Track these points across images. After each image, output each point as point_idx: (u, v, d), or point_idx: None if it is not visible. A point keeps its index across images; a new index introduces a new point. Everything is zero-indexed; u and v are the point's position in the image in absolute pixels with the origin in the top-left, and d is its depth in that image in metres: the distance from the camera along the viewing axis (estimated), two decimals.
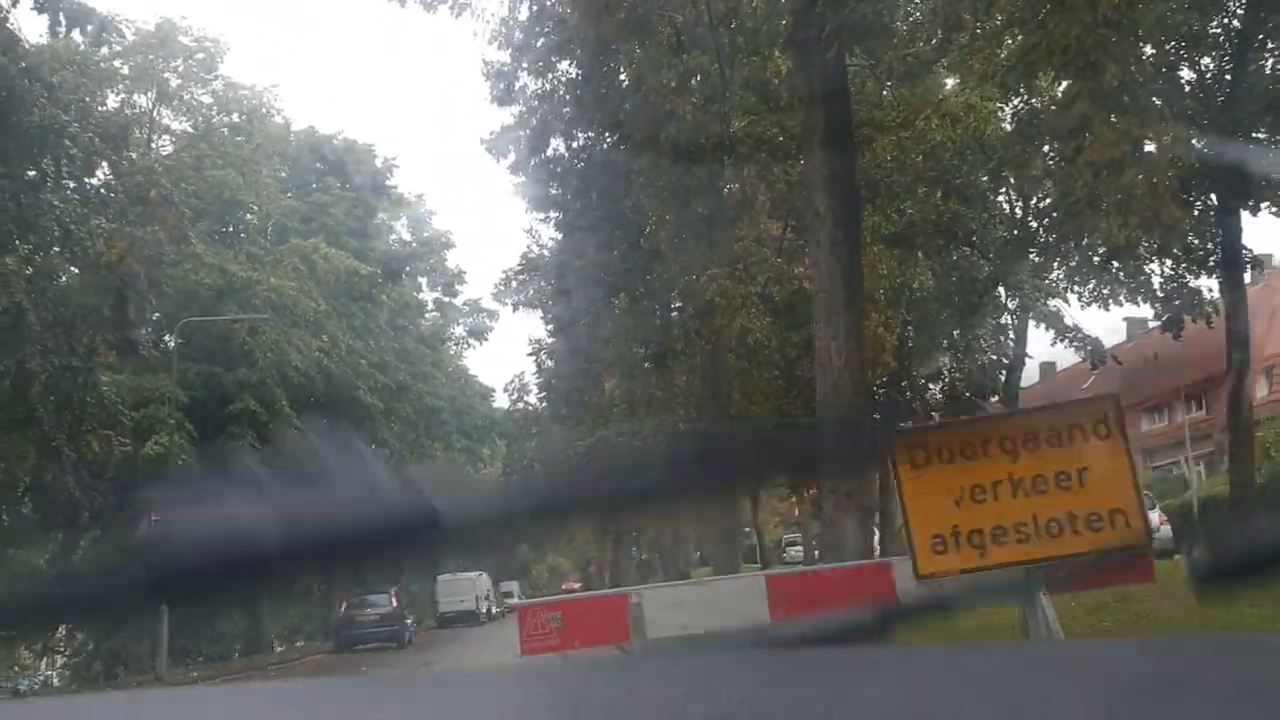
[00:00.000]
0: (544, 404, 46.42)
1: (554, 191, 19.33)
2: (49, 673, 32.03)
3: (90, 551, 27.93)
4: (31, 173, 14.82)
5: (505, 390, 45.85)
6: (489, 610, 53.30)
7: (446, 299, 43.22)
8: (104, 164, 18.06)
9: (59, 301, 17.53)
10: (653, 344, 22.66)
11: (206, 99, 27.70)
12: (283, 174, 32.27)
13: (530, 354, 30.72)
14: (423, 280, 43.04)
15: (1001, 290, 22.55)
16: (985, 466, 6.17)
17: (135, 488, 26.18)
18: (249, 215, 30.06)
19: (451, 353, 46.01)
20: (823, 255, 11.86)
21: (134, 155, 18.72)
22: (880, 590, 7.03)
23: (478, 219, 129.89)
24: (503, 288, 27.58)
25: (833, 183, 11.93)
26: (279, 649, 36.92)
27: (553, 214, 22.39)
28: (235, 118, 28.80)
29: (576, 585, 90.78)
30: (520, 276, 27.32)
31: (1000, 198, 23.13)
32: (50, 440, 17.32)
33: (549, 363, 30.64)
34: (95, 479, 20.98)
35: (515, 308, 27.37)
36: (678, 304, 24.06)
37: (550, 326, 29.12)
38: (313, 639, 45.60)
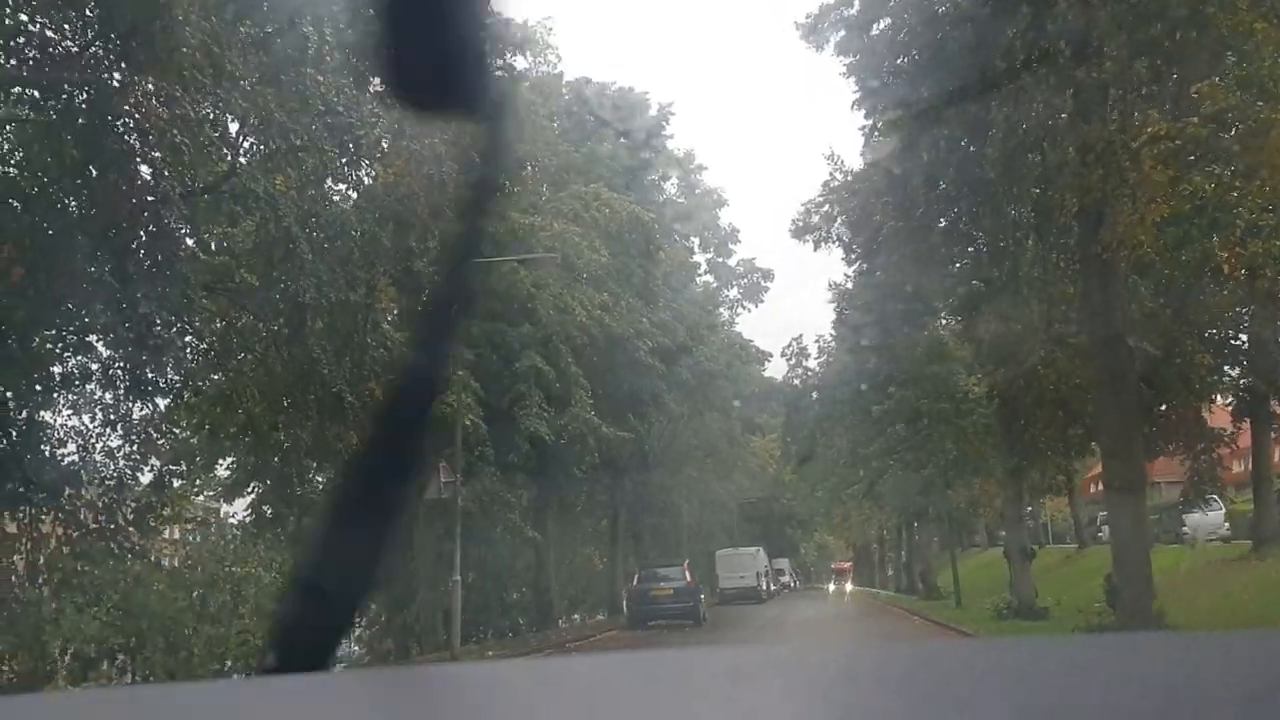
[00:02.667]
0: (822, 367, 42.38)
1: (887, 69, 15.23)
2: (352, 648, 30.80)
3: None
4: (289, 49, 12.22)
5: (783, 355, 42.20)
6: (768, 587, 49.95)
7: (720, 259, 39.88)
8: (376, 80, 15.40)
9: (334, 233, 14.99)
10: (1005, 266, 18.14)
11: None
12: (554, 125, 29.55)
13: (830, 300, 26.71)
14: (694, 241, 39.91)
15: None
16: None
17: (422, 452, 24.15)
18: (525, 168, 27.44)
19: (724, 316, 42.69)
20: None
21: None
22: None
23: (753, 172, 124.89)
24: (800, 223, 23.65)
25: None
26: (562, 624, 34.48)
27: (866, 120, 18.26)
28: (509, 58, 26.23)
29: (846, 565, 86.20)
30: (822, 209, 23.32)
31: None
32: (331, 387, 14.80)
33: (848, 311, 26.52)
34: None
35: (816, 245, 23.38)
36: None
37: (854, 268, 24.97)
38: (593, 612, 43.69)
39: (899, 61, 15.04)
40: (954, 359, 31.33)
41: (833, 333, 41.91)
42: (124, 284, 11.67)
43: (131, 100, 11.41)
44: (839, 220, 23.16)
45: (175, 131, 11.49)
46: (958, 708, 0.85)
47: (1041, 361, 19.30)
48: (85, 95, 12.07)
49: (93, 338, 16.40)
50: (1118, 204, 14.25)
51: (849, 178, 23.25)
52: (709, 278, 41.21)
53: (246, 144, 14.49)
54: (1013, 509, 25.49)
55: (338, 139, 13.46)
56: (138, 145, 11.79)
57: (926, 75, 14.27)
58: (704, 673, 1.11)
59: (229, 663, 14.70)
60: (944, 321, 29.93)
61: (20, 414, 15.77)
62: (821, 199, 23.26)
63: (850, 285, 26.77)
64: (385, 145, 15.44)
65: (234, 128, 14.80)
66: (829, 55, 16.83)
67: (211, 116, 13.30)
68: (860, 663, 1.22)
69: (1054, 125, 15.19)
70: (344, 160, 15.29)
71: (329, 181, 15.75)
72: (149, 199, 12.33)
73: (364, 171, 15.62)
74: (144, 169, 12.74)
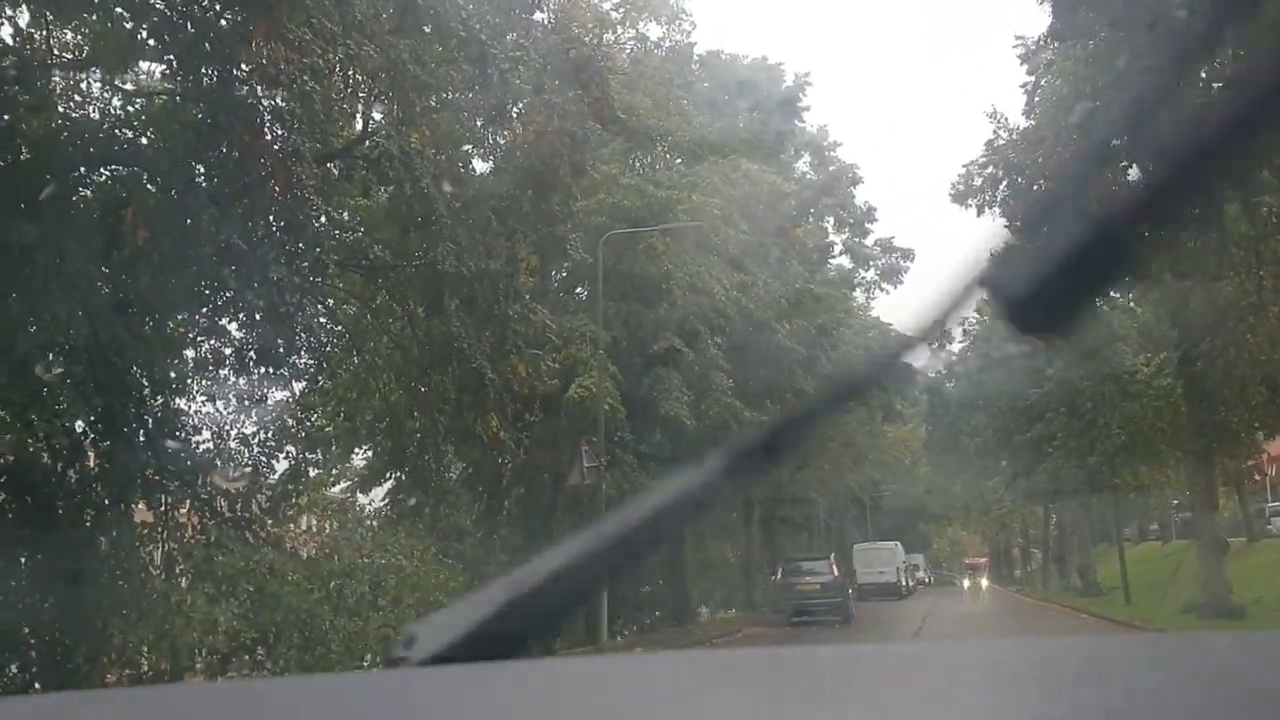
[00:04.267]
0: (967, 351, 39.95)
1: None
2: None
3: (516, 509, 25.13)
4: None
5: (924, 339, 40.07)
6: (907, 583, 47.73)
7: (856, 239, 37.77)
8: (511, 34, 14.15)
9: (472, 197, 13.79)
10: (1206, 222, 15.91)
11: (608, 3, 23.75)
12: (685, 101, 27.98)
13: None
14: (828, 221, 37.90)
15: None
16: None
17: (558, 439, 23.00)
18: (660, 144, 26.00)
19: (860, 300, 40.57)
20: None
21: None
22: None
23: (891, 146, 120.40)
24: (960, 187, 21.65)
25: None
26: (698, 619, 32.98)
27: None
28: (640, 28, 24.86)
29: (981, 560, 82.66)
30: (985, 170, 21.28)
31: None
32: (471, 363, 13.60)
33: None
34: (519, 420, 17.49)
35: (980, 210, 21.35)
36: None
37: (1016, 233, 22.78)
38: (724, 607, 42.15)
39: None
40: (1119, 335, 28.98)
41: (977, 315, 39.58)
42: (253, 248, 10.63)
43: (256, 45, 10.35)
44: (1004, 183, 21.12)
45: (305, 77, 10.38)
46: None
47: (1249, 329, 17.02)
48: (209, 48, 11.09)
49: (224, 320, 15.70)
50: None
51: (1014, 136, 21.22)
52: (844, 259, 39.19)
53: (378, 103, 13.38)
54: (1202, 497, 22.94)
55: (480, 71, 12.08)
56: (265, 98, 10.73)
57: None
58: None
59: (367, 659, 13.58)
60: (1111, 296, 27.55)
61: (156, 400, 15.10)
62: (984, 159, 21.25)
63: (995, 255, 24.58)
64: (523, 104, 14.16)
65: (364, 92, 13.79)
66: None
67: (340, 68, 12.19)
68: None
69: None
70: (480, 121, 14.09)
71: (466, 146, 14.59)
72: (276, 161, 11.30)
73: (501, 135, 14.37)
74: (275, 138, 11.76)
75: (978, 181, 21.34)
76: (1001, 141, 21.06)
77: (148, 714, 1.04)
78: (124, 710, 1.07)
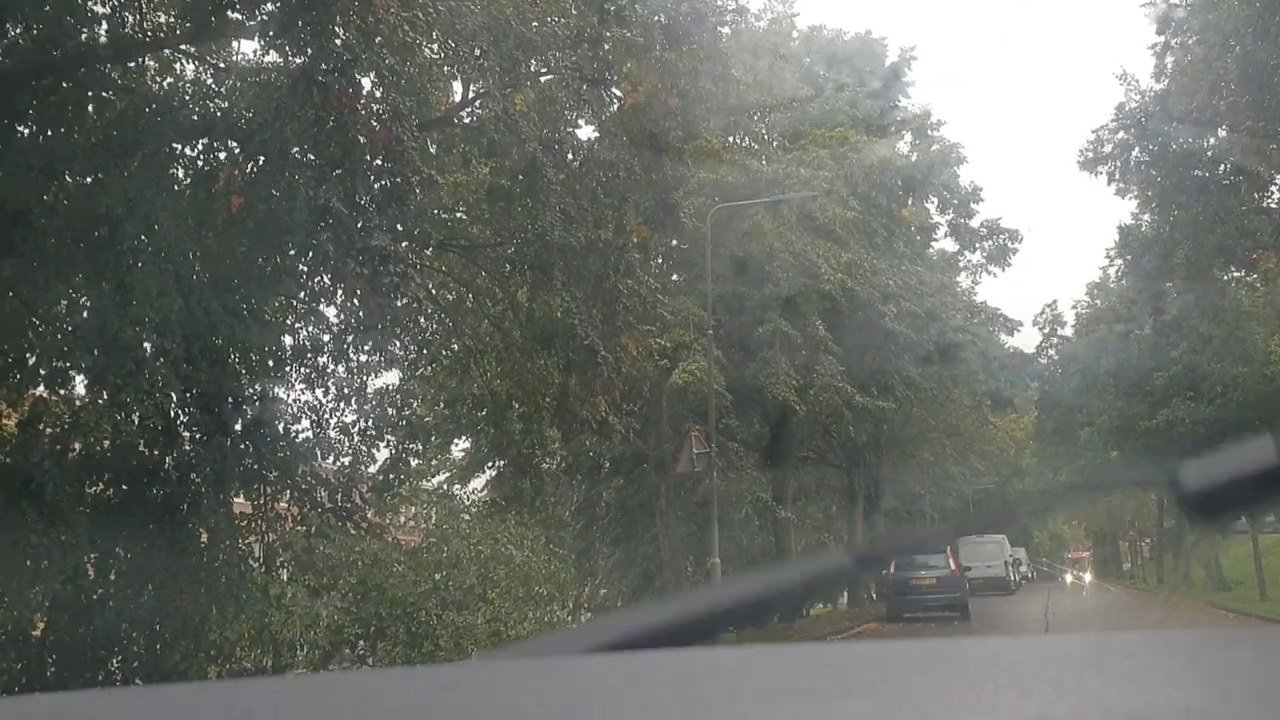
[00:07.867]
0: (1079, 334, 37.93)
1: None
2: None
3: (615, 499, 24.24)
4: None
5: (1034, 323, 38.26)
6: (1015, 578, 45.85)
7: (960, 220, 35.86)
8: None
9: (579, 163, 12.81)
10: None
11: None
12: (787, 74, 26.63)
13: (1114, 245, 22.78)
14: (931, 203, 36.09)
15: None
16: None
17: (659, 427, 22.01)
18: (761, 120, 24.77)
19: (965, 284, 38.64)
20: None
21: None
22: None
23: (995, 122, 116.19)
24: (1089, 153, 19.98)
25: None
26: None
27: None
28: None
29: (1084, 554, 79.74)
30: (1116, 135, 19.60)
31: None
32: (583, 340, 12.60)
33: (1144, 259, 22.55)
34: (622, 406, 16.50)
35: (1110, 178, 19.69)
36: None
37: (1149, 210, 21.10)
38: (824, 602, 40.78)
39: None
40: (1250, 313, 27.05)
41: (1088, 298, 37.52)
42: (353, 212, 9.78)
43: None
44: (1136, 149, 19.48)
45: (405, 28, 9.49)
46: None
47: None
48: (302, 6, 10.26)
49: (323, 304, 15.05)
50: None
51: (1146, 99, 19.56)
52: (947, 241, 37.35)
53: (478, 68, 12.44)
54: None
55: (595, 9, 11.08)
56: (362, 52, 9.82)
57: None
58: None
59: (474, 655, 12.65)
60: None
61: (254, 387, 14.49)
62: (1115, 123, 19.61)
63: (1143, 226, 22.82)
64: (630, 65, 13.11)
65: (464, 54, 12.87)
66: None
67: (440, 28, 11.28)
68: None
69: None
70: (585, 84, 13.08)
71: (569, 113, 13.61)
72: (375, 123, 10.43)
73: (609, 98, 13.35)
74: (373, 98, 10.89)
75: (1107, 148, 19.71)
76: (1133, 104, 19.42)
77: (148, 714, 1.01)
78: (125, 710, 1.05)
